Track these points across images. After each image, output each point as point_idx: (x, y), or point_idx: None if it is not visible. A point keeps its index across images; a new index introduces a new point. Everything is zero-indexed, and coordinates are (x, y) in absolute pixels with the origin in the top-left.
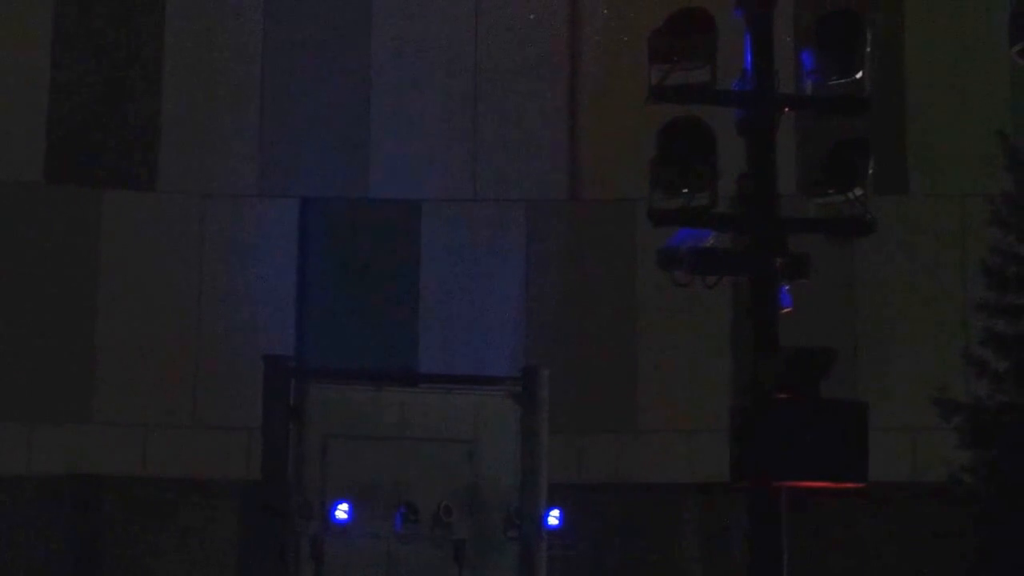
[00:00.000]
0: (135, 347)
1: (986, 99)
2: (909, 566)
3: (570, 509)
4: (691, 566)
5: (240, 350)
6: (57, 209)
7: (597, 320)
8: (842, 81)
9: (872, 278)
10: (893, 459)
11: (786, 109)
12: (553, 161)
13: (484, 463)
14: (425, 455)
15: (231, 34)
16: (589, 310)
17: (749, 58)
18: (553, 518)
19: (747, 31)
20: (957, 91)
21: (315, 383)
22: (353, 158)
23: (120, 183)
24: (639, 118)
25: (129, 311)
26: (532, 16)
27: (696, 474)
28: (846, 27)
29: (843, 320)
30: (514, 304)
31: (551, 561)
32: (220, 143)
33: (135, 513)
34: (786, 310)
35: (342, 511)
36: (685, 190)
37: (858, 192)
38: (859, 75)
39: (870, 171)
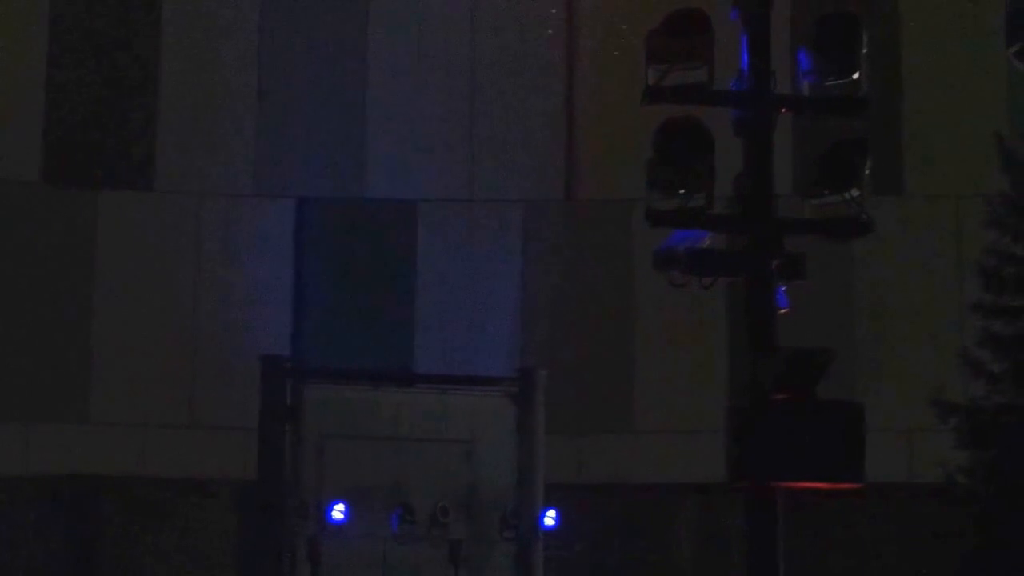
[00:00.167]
0: (132, 347)
1: (983, 100)
2: (908, 566)
3: (567, 510)
4: (688, 566)
5: (237, 350)
6: (54, 209)
7: (594, 320)
8: (839, 82)
9: (869, 279)
10: (890, 460)
11: (783, 110)
12: (550, 161)
13: (481, 464)
14: (422, 456)
15: (228, 35)
16: (586, 310)
17: (746, 59)
18: (550, 518)
19: (744, 32)
20: (954, 92)
21: (312, 383)
22: (350, 158)
23: (117, 183)
24: (636, 118)
25: (126, 311)
26: (528, 17)
27: (693, 474)
28: (843, 28)
29: (840, 321)
30: (511, 304)
31: (548, 562)
32: (217, 143)
33: (132, 513)
34: (783, 311)
35: (338, 511)
36: (682, 191)
37: (855, 193)
38: (856, 76)
39: (867, 172)
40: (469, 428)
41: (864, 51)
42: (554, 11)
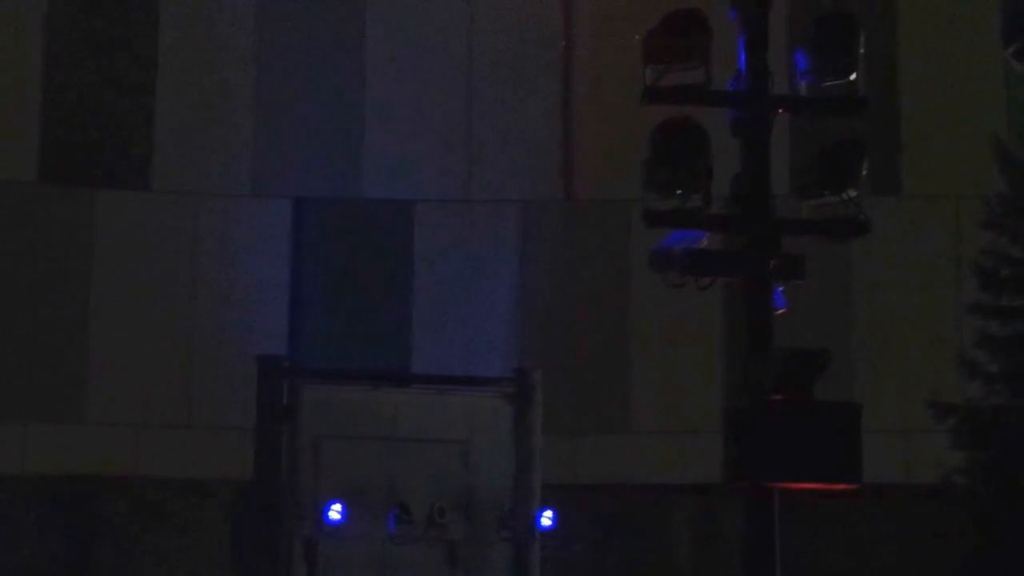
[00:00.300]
0: (130, 347)
1: (980, 101)
2: (905, 567)
3: (564, 510)
4: (686, 567)
5: (234, 350)
6: (51, 209)
7: (591, 321)
8: (836, 82)
9: (866, 279)
10: (887, 460)
11: (780, 110)
12: (548, 162)
13: (478, 464)
14: (418, 456)
15: (225, 34)
16: (583, 311)
17: (743, 59)
18: (546, 519)
19: (742, 32)
20: (951, 93)
21: (308, 383)
22: (347, 158)
23: (114, 183)
24: (633, 119)
25: (124, 311)
26: (526, 17)
27: (690, 475)
28: (840, 28)
29: (837, 321)
30: (508, 305)
31: (544, 562)
32: (214, 143)
33: (130, 513)
34: (780, 311)
35: (335, 511)
36: (679, 191)
37: (852, 193)
38: (853, 76)
39: (864, 172)
40: (466, 428)
41: (862, 51)
42: (552, 12)
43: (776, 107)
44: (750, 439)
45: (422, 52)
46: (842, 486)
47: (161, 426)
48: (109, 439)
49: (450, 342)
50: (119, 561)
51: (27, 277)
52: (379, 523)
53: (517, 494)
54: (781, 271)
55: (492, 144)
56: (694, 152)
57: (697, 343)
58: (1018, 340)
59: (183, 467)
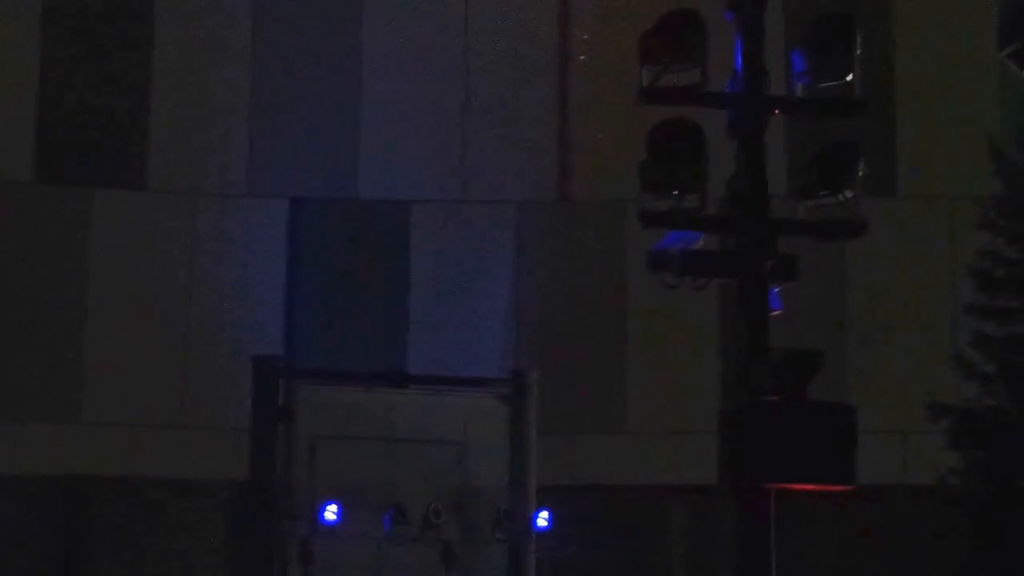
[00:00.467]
0: (125, 347)
1: (976, 102)
2: (901, 568)
3: (559, 510)
4: (681, 568)
5: (230, 350)
6: (47, 208)
7: (586, 321)
8: (832, 83)
9: (862, 280)
10: (883, 461)
11: (776, 111)
12: (543, 162)
13: (473, 465)
14: (414, 456)
15: (221, 34)
16: (579, 311)
17: (740, 60)
18: (542, 519)
19: (738, 33)
20: (947, 94)
21: (304, 383)
22: (343, 158)
23: (110, 182)
24: (629, 119)
25: (119, 310)
26: (522, 18)
27: (686, 476)
28: (836, 29)
29: (833, 322)
30: (504, 305)
31: (540, 562)
32: (210, 142)
33: (124, 513)
34: (777, 312)
35: (331, 512)
36: (675, 192)
37: (848, 194)
38: (849, 77)
39: (860, 173)
40: (462, 429)
41: (858, 52)
42: (548, 13)
43: (772, 108)
44: (746, 440)
45: (419, 52)
46: (838, 487)
47: (158, 426)
48: (106, 439)
49: (446, 343)
50: (116, 561)
51: (24, 277)
52: (375, 523)
53: (513, 495)
54: (777, 272)
55: (489, 145)
56: (691, 153)
57: (694, 344)
58: (1014, 341)
59: (179, 467)
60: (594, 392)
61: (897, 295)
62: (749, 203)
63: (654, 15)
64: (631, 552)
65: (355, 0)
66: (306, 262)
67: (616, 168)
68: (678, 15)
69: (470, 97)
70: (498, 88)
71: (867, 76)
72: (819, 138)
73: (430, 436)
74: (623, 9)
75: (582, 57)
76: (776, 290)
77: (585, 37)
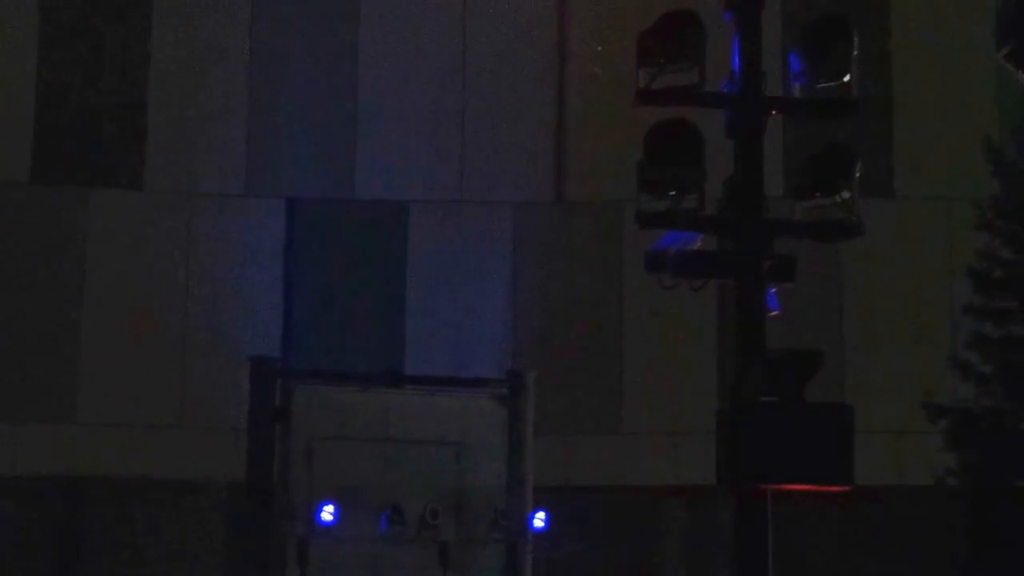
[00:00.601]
0: (122, 347)
1: (973, 103)
2: (899, 568)
3: (556, 511)
4: (678, 568)
5: (226, 351)
6: (43, 209)
7: (584, 322)
8: (830, 84)
9: (859, 281)
10: (880, 462)
11: (774, 112)
12: (540, 163)
13: (470, 465)
14: (411, 457)
15: (218, 34)
16: (575, 312)
17: (737, 61)
18: (539, 520)
19: (736, 33)
20: (944, 95)
21: (301, 384)
22: (340, 159)
23: (107, 182)
24: (627, 120)
25: (115, 311)
26: (519, 19)
27: (683, 476)
28: (833, 30)
29: (830, 323)
30: (500, 306)
31: (536, 563)
32: (207, 143)
33: (120, 514)
34: (773, 313)
35: (328, 513)
36: (672, 192)
37: (846, 195)
38: (846, 78)
39: (857, 174)
40: (459, 429)
41: (855, 54)
42: (545, 13)
43: (770, 109)
44: (743, 441)
45: (416, 53)
46: (835, 487)
47: (155, 427)
48: (103, 440)
49: (443, 343)
50: (113, 561)
51: (21, 278)
52: (372, 524)
53: (509, 495)
54: (774, 273)
55: (485, 145)
56: (688, 154)
57: (690, 344)
58: (1011, 341)
59: (176, 468)
60: (591, 393)
61: (894, 296)
62: (747, 204)
63: (652, 15)
64: (628, 552)
65: (353, 1)
66: (303, 262)
67: (613, 168)
68: (676, 15)
69: (468, 98)
70: (496, 89)
71: (864, 77)
72: (817, 139)
73: (427, 436)
74: (620, 10)
75: (578, 59)
76: (773, 291)
77: (582, 38)
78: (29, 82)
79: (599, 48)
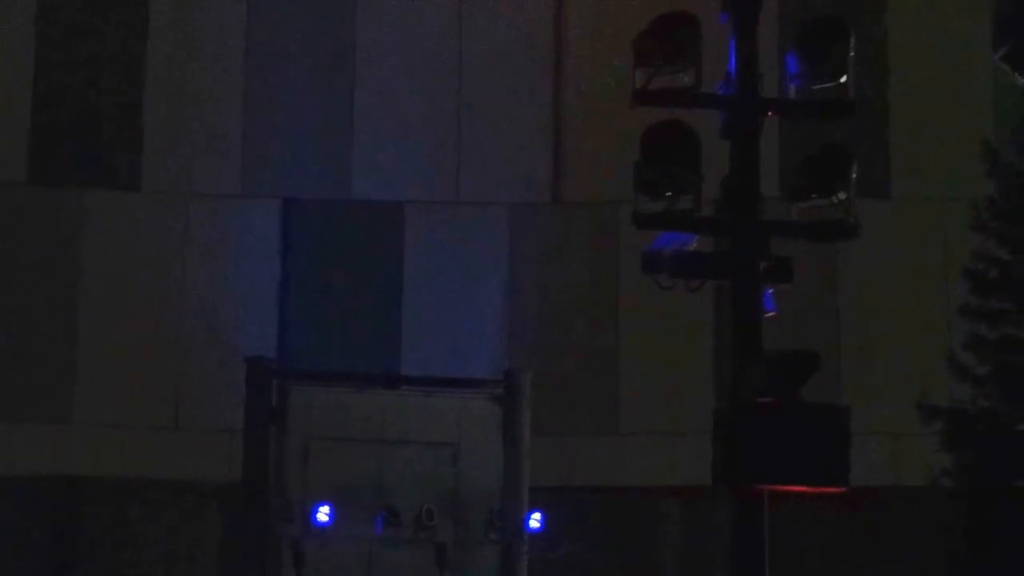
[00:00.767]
0: (118, 348)
1: (969, 104)
2: (895, 569)
3: (552, 512)
4: (674, 569)
5: (222, 351)
6: (40, 209)
7: (580, 323)
8: (826, 85)
9: (855, 282)
10: (876, 463)
11: (770, 113)
12: (536, 163)
13: (466, 466)
14: (407, 458)
15: (214, 35)
16: (572, 313)
17: (734, 62)
18: (535, 521)
19: (732, 34)
20: (940, 96)
21: (297, 385)
22: (336, 159)
23: (103, 183)
24: (623, 121)
25: (111, 311)
26: (516, 19)
27: (679, 477)
28: (830, 32)
29: (826, 324)
30: (497, 306)
31: (532, 564)
32: (203, 144)
33: (117, 514)
34: (770, 314)
35: (323, 514)
36: (669, 193)
37: (842, 196)
38: (843, 79)
39: (854, 175)
40: (455, 430)
41: (851, 55)
42: (542, 14)
43: (766, 110)
44: (739, 441)
45: (412, 53)
46: (831, 488)
47: (149, 427)
48: (99, 440)
49: (439, 344)
50: (108, 562)
51: (17, 278)
52: (367, 525)
53: (506, 496)
54: (770, 274)
55: (482, 146)
56: (684, 155)
57: (687, 345)
58: (1007, 342)
59: (172, 468)
60: (587, 393)
61: (891, 297)
62: (743, 205)
63: (649, 16)
64: (624, 553)
65: (349, 2)
66: (299, 263)
67: (609, 169)
68: (673, 17)
69: (464, 98)
70: (491, 89)
71: (861, 78)
72: (813, 140)
73: (423, 437)
74: (617, 11)
75: (575, 59)
76: (770, 292)
77: (579, 39)
78: (26, 82)
79: (596, 49)
